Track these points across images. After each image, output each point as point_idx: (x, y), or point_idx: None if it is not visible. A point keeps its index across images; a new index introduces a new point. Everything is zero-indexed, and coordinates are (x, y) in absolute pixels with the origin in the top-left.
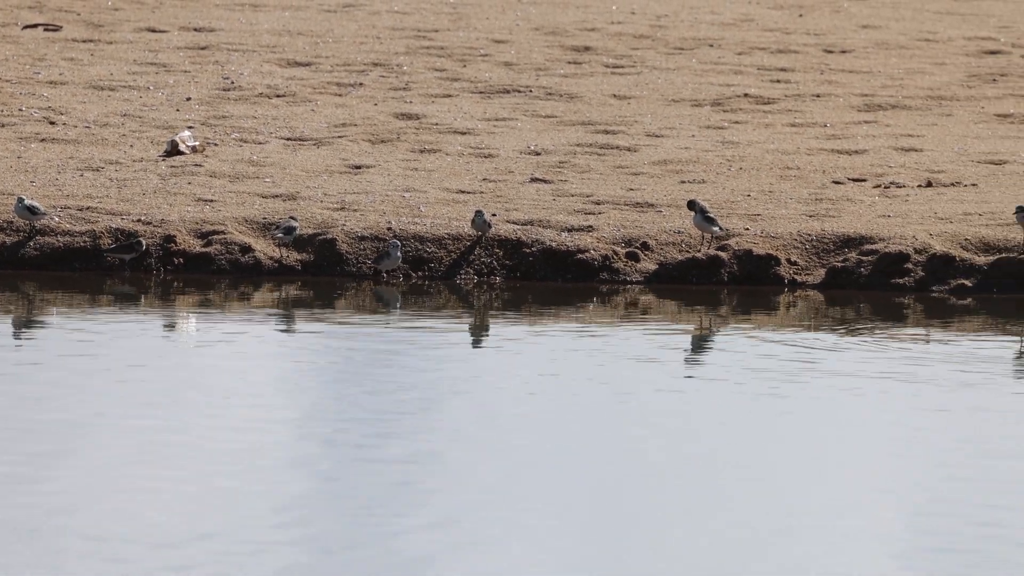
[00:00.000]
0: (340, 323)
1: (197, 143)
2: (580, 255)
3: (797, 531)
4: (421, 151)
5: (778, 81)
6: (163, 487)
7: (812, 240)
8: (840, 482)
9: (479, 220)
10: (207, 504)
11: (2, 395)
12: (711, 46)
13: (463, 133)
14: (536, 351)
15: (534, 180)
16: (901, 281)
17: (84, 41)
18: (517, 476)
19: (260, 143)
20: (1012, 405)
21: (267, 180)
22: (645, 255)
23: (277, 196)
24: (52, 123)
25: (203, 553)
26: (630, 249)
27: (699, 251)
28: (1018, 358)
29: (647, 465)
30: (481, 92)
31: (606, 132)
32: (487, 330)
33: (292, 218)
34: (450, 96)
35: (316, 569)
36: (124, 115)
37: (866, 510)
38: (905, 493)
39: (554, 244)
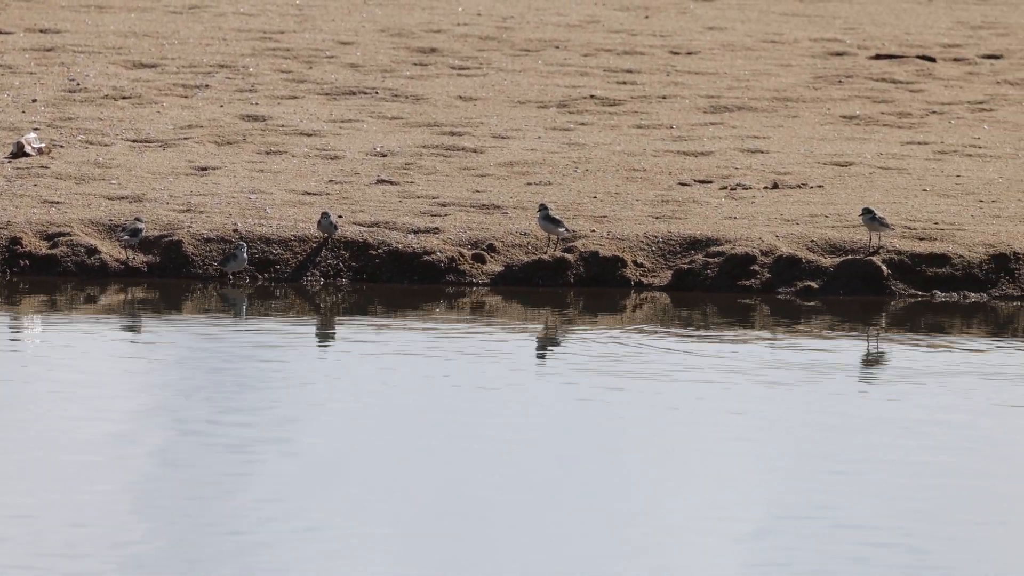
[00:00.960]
0: (184, 324)
1: (43, 145)
2: (426, 257)
3: (635, 530)
4: (267, 153)
5: (624, 83)
6: None
7: (658, 242)
8: (668, 481)
9: (325, 222)
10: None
11: None
12: (557, 48)
13: (309, 135)
14: (376, 351)
15: (380, 182)
16: (747, 283)
17: None
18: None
19: (106, 145)
20: (857, 408)
21: (113, 182)
22: (491, 257)
23: (123, 198)
24: None
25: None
26: (476, 251)
27: (545, 253)
28: (868, 362)
29: (473, 460)
30: (327, 94)
31: (452, 134)
32: (331, 331)
33: (138, 220)
34: (296, 98)
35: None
36: None
37: (702, 506)
38: (737, 493)
39: (400, 246)
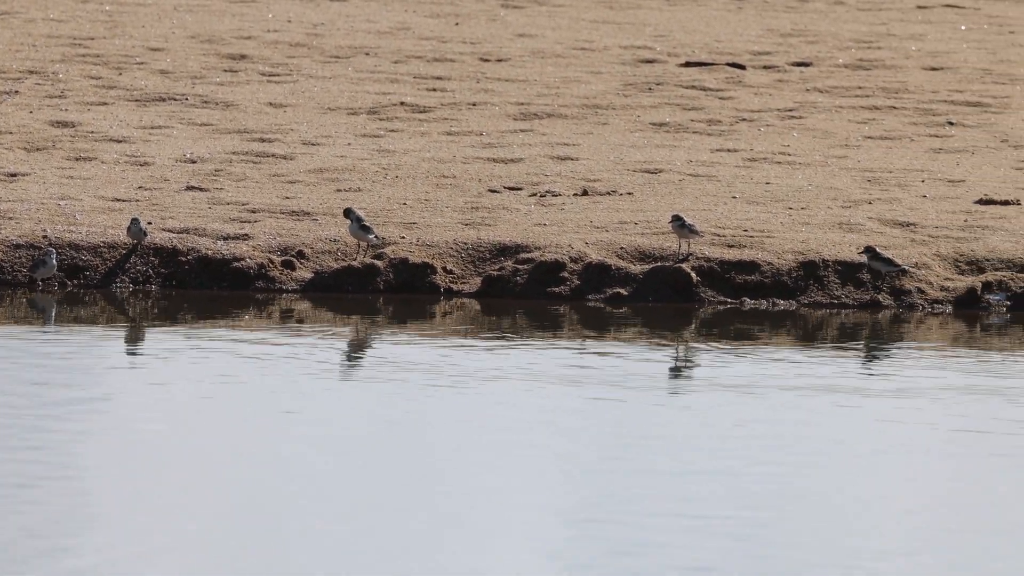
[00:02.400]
0: None
1: None
2: (236, 263)
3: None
4: (77, 159)
5: (434, 89)
6: None
7: (468, 248)
8: (473, 483)
9: (135, 228)
10: None
11: None
12: (367, 54)
13: (119, 141)
14: (180, 358)
15: (190, 188)
16: (557, 290)
17: None
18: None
19: None
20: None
21: None
22: (301, 263)
23: None
24: None
25: None
26: (286, 257)
27: (355, 259)
28: (677, 371)
29: (270, 468)
30: (137, 100)
31: (262, 140)
32: (140, 337)
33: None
34: (106, 104)
35: None
36: None
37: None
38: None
39: (210, 252)
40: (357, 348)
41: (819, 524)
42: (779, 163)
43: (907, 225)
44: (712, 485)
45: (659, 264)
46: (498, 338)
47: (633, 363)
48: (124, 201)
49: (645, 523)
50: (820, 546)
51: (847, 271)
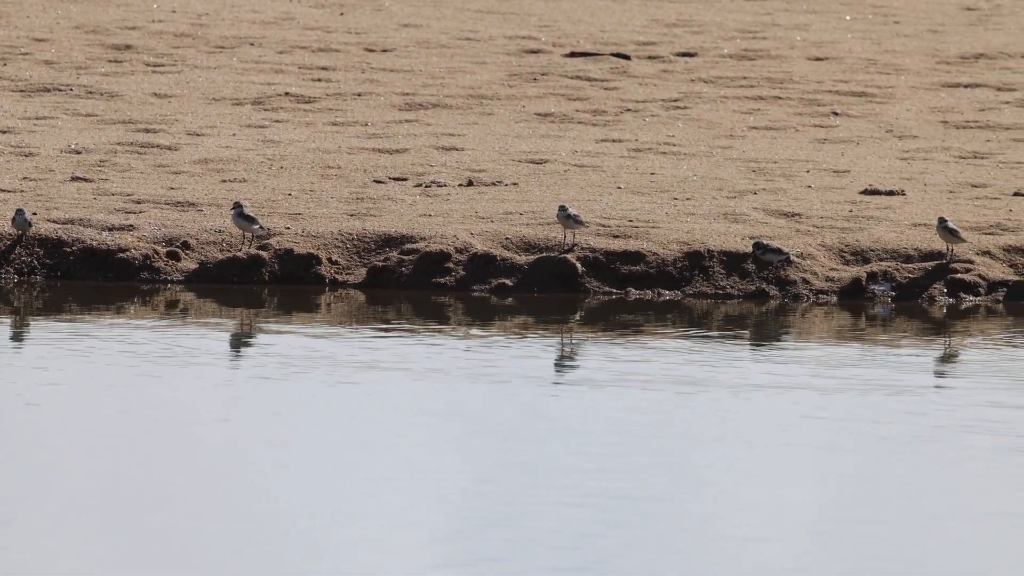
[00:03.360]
0: None
1: None
2: (121, 254)
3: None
4: None
5: (319, 80)
6: None
7: (353, 239)
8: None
9: (19, 219)
10: None
11: None
12: (252, 45)
13: (3, 132)
14: (62, 348)
15: (75, 179)
16: (442, 280)
17: None
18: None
19: None
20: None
21: None
22: (186, 254)
23: None
24: None
25: None
26: (171, 248)
27: (240, 250)
28: (561, 361)
29: (147, 454)
30: (22, 91)
31: (147, 131)
32: (24, 327)
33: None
34: None
35: None
36: None
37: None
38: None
39: (95, 243)
40: (237, 340)
41: (697, 512)
42: (664, 153)
43: (792, 215)
44: (588, 475)
45: (545, 255)
46: (381, 329)
47: (515, 353)
48: (8, 192)
49: (523, 512)
50: (699, 533)
51: (733, 261)
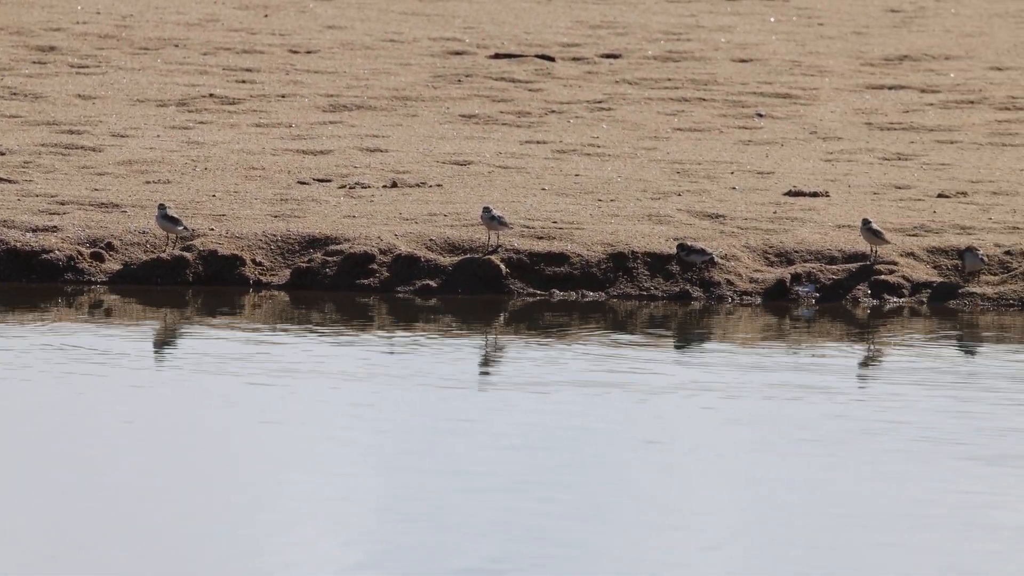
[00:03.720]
0: None
1: None
2: (45, 255)
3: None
4: None
5: (244, 81)
6: None
7: (277, 240)
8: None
9: None
10: None
11: None
12: (176, 46)
13: None
14: None
15: None
16: (366, 282)
17: None
18: None
19: None
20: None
21: None
22: (110, 255)
23: None
24: None
25: None
26: (95, 249)
27: (164, 251)
28: (484, 364)
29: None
30: None
31: (71, 132)
32: None
33: None
34: None
35: None
36: None
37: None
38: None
39: (18, 244)
40: (156, 340)
41: (616, 514)
42: (588, 155)
43: (716, 217)
44: (510, 478)
45: (469, 256)
46: (303, 331)
47: (437, 356)
48: None
49: (444, 517)
50: (619, 535)
51: (657, 263)
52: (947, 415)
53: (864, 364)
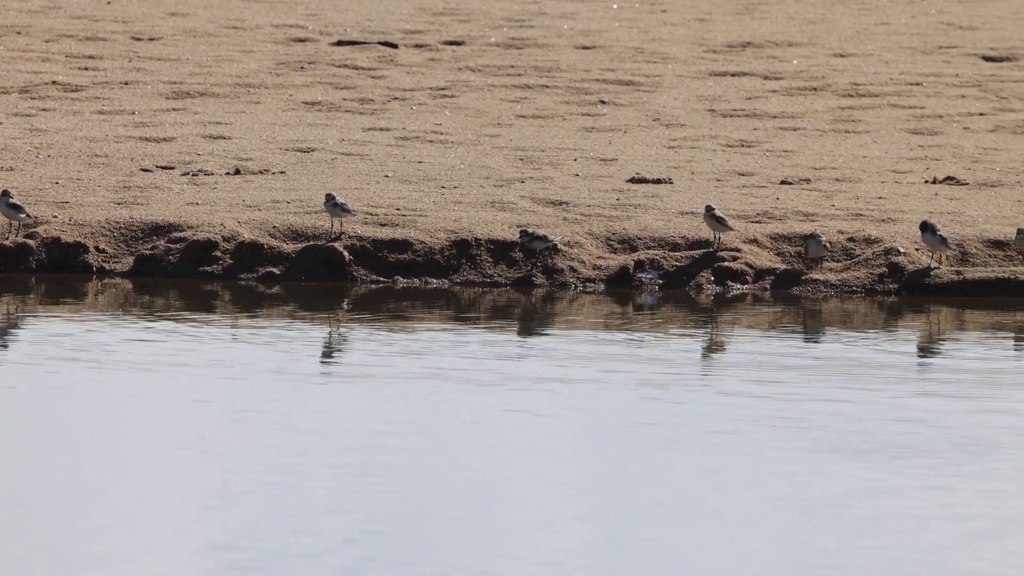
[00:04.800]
0: None
1: None
2: None
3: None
4: None
5: (86, 68)
6: None
7: (121, 228)
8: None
9: None
10: None
11: None
12: (19, 33)
13: None
14: None
15: None
16: (210, 269)
17: None
18: None
19: None
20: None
21: None
22: None
23: None
24: None
25: None
26: None
27: (7, 239)
28: (327, 354)
29: None
30: None
31: None
32: None
33: None
34: None
35: None
36: None
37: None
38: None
39: None
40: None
41: (456, 506)
42: (432, 142)
43: (560, 204)
44: (351, 469)
45: (312, 243)
46: (143, 318)
47: (277, 344)
48: None
49: (277, 505)
50: (460, 529)
51: (500, 250)
52: (789, 403)
53: (707, 352)
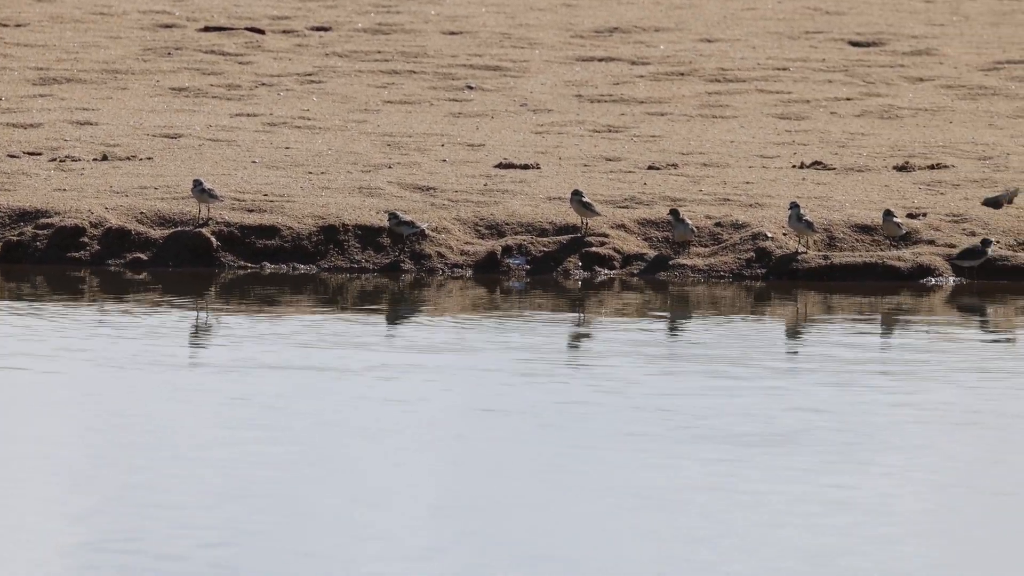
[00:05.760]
0: None
1: None
2: None
3: None
4: None
5: None
6: None
7: None
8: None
9: None
10: None
11: None
12: None
13: None
14: None
15: None
16: (77, 255)
17: None
18: None
19: None
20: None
21: None
22: None
23: None
24: None
25: None
26: None
27: None
28: (194, 346)
29: None
30: None
31: None
32: None
33: None
34: None
35: None
36: None
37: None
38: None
39: None
40: None
41: (318, 502)
42: (299, 128)
43: (427, 189)
44: (206, 462)
45: (179, 229)
46: (9, 306)
47: (138, 331)
48: None
49: (157, 496)
50: (324, 527)
51: (368, 235)
52: (661, 393)
53: (574, 338)
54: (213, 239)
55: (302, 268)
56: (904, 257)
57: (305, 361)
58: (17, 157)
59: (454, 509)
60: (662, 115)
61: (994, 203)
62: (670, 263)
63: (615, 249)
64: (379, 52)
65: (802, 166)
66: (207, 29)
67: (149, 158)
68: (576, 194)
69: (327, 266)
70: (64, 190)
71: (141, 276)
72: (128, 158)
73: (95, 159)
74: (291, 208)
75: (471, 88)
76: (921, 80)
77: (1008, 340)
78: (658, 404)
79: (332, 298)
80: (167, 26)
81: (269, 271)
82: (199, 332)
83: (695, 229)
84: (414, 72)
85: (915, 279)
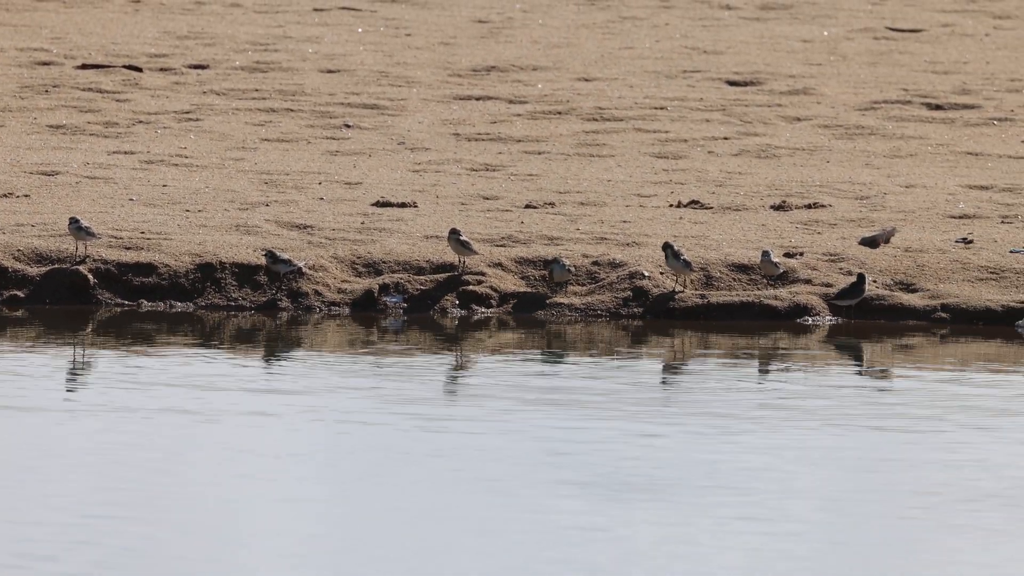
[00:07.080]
0: None
1: None
2: None
3: None
4: None
5: None
6: None
7: None
8: None
9: None
10: None
11: None
12: None
13: None
14: None
15: None
16: None
17: None
18: None
19: None
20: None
21: None
22: None
23: None
24: None
25: None
26: None
27: None
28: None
29: None
30: None
31: None
32: None
33: None
34: None
35: None
36: None
37: None
38: None
39: None
40: None
41: (182, 543)
42: (176, 165)
43: (304, 227)
44: (73, 503)
45: (56, 266)
46: None
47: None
48: None
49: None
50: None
51: (245, 273)
52: (525, 432)
53: (451, 377)
54: (90, 276)
55: (179, 306)
56: (781, 296)
57: (167, 403)
58: None
59: (315, 555)
60: (539, 154)
61: (871, 243)
62: (547, 301)
63: (492, 288)
64: (257, 90)
65: (679, 205)
66: (85, 67)
67: (26, 195)
68: (454, 232)
69: (204, 304)
70: None
71: (17, 313)
72: (5, 195)
73: None
74: (168, 246)
75: (348, 126)
76: (798, 119)
77: (880, 381)
78: (537, 446)
79: (207, 338)
80: (45, 63)
81: (146, 308)
82: (68, 373)
83: (572, 268)
84: (291, 110)
85: (792, 318)
